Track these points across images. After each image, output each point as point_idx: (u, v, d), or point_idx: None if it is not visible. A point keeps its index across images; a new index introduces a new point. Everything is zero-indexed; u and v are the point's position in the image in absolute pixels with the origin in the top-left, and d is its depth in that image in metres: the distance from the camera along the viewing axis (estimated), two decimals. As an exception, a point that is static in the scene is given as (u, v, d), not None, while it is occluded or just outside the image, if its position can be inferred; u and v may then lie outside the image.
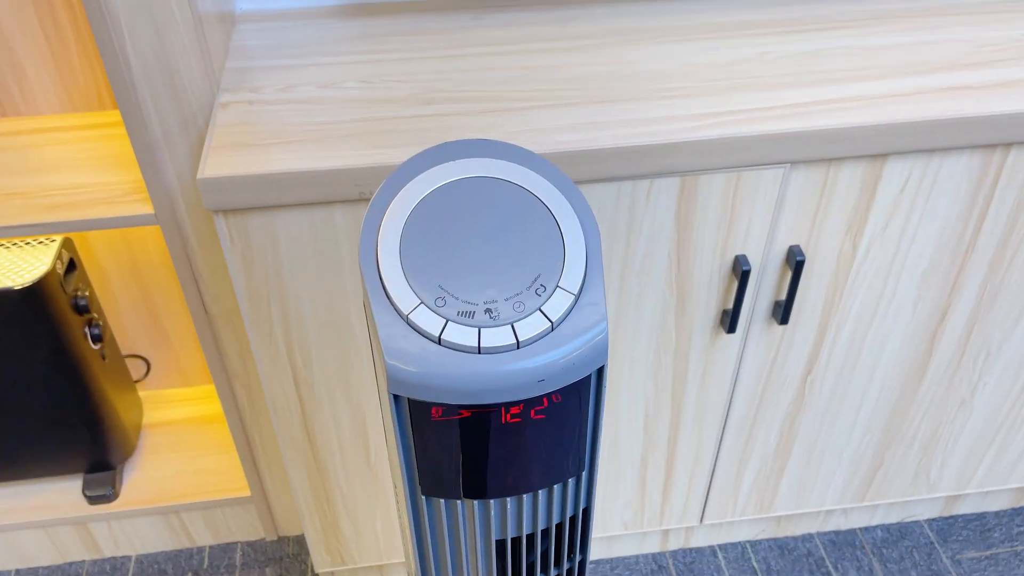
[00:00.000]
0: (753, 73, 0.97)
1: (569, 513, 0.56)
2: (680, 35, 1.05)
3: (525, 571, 0.57)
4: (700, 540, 1.47)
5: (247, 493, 1.37)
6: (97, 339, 1.25)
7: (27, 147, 1.12)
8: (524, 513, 0.54)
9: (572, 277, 0.48)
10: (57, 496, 1.37)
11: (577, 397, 0.49)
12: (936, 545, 1.46)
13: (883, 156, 0.92)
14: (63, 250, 1.19)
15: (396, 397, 0.47)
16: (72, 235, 1.25)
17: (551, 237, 0.48)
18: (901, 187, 0.95)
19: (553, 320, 0.47)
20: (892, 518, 1.51)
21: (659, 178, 0.90)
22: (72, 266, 1.21)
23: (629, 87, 0.94)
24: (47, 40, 1.11)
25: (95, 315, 1.25)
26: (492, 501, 0.52)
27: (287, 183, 0.83)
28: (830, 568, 1.43)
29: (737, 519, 1.37)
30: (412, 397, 0.47)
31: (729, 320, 1.03)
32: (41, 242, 1.19)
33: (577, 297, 0.48)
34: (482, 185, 0.48)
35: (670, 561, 1.45)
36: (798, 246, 0.98)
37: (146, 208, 1.01)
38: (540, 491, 0.53)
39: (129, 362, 1.47)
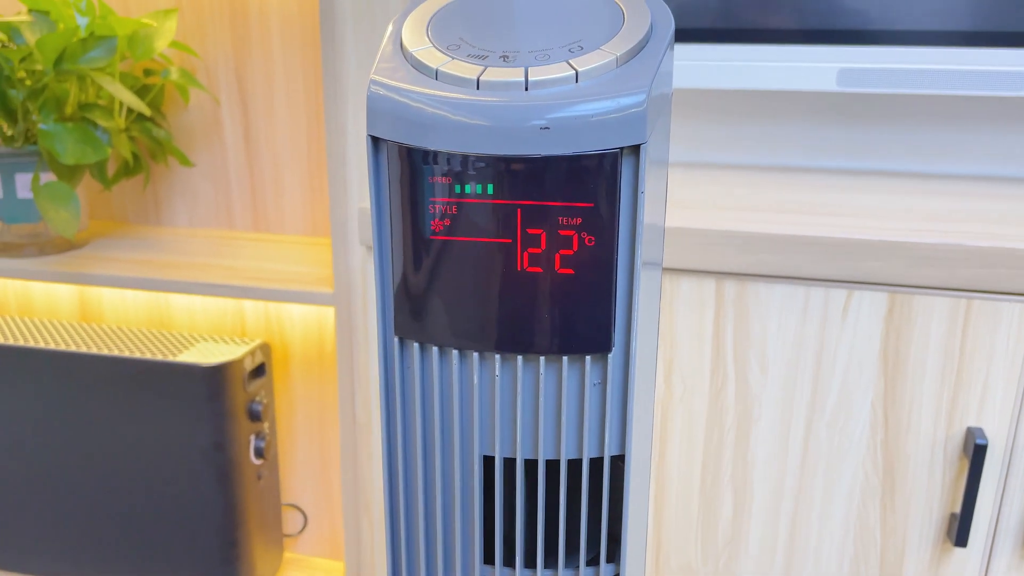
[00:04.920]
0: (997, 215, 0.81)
1: (590, 422, 0.39)
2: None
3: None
4: None
5: (347, 677, 1.18)
6: (260, 453, 1.23)
7: (261, 244, 1.23)
8: (521, 394, 0.39)
9: (620, 45, 0.38)
10: (168, 624, 1.27)
11: (605, 198, 0.37)
12: None
13: None
14: (259, 351, 1.23)
15: (376, 146, 0.39)
16: (272, 345, 1.30)
17: (610, 17, 0.40)
18: None
19: (579, 70, 0.37)
20: None
21: (860, 288, 0.75)
22: (262, 371, 1.24)
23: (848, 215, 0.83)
24: (309, 177, 1.26)
25: (265, 428, 1.25)
26: (475, 356, 0.38)
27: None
28: None
29: None
30: (392, 139, 0.37)
31: (958, 527, 0.77)
32: (245, 342, 1.25)
33: (619, 62, 0.37)
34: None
35: None
36: (1059, 426, 0.74)
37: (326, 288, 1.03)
38: (542, 360, 0.38)
39: (287, 512, 1.42)
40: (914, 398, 0.76)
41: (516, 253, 0.39)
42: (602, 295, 0.38)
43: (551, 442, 0.40)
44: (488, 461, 0.41)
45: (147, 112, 1.08)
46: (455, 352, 0.39)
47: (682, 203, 0.86)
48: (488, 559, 0.42)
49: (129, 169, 1.19)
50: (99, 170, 1.13)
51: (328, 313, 1.27)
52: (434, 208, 0.39)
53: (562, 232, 0.39)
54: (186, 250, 1.21)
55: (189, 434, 1.18)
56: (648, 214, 0.39)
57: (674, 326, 0.80)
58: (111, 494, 1.24)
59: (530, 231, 0.39)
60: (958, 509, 0.78)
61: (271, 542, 1.32)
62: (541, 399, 0.39)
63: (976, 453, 0.74)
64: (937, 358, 0.75)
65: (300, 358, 1.32)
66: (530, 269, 0.39)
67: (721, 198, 0.88)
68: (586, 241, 0.39)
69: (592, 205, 0.38)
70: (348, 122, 0.96)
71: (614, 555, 0.43)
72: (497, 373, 0.39)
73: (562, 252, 0.39)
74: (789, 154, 1.03)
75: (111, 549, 1.27)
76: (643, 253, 0.39)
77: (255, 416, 1.23)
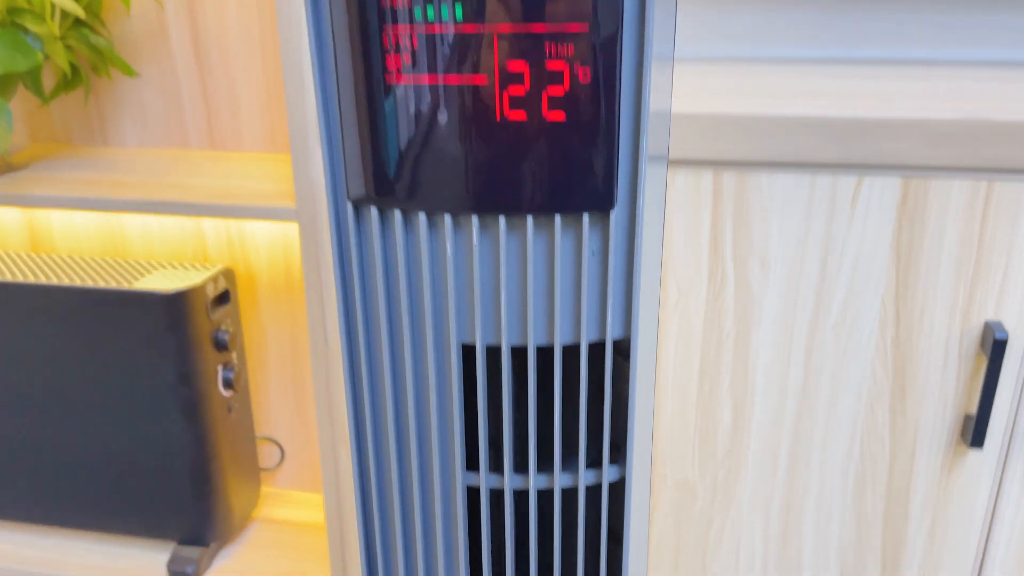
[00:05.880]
0: None
1: (588, 299, 0.32)
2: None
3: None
4: None
5: (331, 610, 1.13)
6: (229, 385, 1.17)
7: (216, 163, 1.14)
8: (504, 265, 0.32)
9: None
10: (141, 561, 1.22)
11: (606, 15, 0.30)
12: None
13: None
14: (222, 277, 1.15)
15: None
16: (236, 271, 1.22)
17: None
18: None
19: None
20: None
21: (871, 173, 0.68)
22: (226, 298, 1.17)
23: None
24: (266, 84, 1.17)
25: (233, 358, 1.18)
26: (448, 220, 0.32)
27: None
28: None
29: None
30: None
31: (973, 427, 0.72)
32: (206, 268, 1.17)
33: None
34: None
35: None
36: (1084, 316, 0.69)
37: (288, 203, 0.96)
38: (529, 222, 0.31)
39: (263, 447, 1.36)
40: (928, 292, 0.71)
41: (494, 96, 0.31)
42: (602, 140, 0.31)
43: (542, 324, 0.33)
44: (468, 352, 0.34)
45: (82, 15, 0.98)
46: (422, 216, 0.32)
47: (674, 92, 0.78)
48: (472, 465, 0.35)
49: (68, 82, 1.09)
50: (33, 81, 1.03)
51: (294, 235, 1.19)
52: (390, 40, 0.32)
53: (550, 66, 0.31)
54: (137, 169, 1.12)
55: (152, 367, 1.11)
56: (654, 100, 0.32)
57: (669, 225, 0.74)
58: (74, 433, 1.17)
59: (510, 66, 0.31)
60: (973, 409, 0.73)
61: (247, 477, 1.27)
62: (529, 271, 0.32)
63: (995, 349, 0.69)
64: (953, 248, 0.69)
65: (267, 285, 1.25)
66: (511, 116, 0.32)
67: (716, 86, 0.81)
68: (580, 76, 0.31)
69: (587, 27, 0.30)
70: (304, 15, 0.86)
71: (617, 458, 0.37)
72: (475, 241, 0.32)
73: (551, 92, 0.31)
74: (787, 45, 0.96)
75: (78, 491, 1.21)
76: (649, 144, 0.31)
77: (221, 346, 1.15)
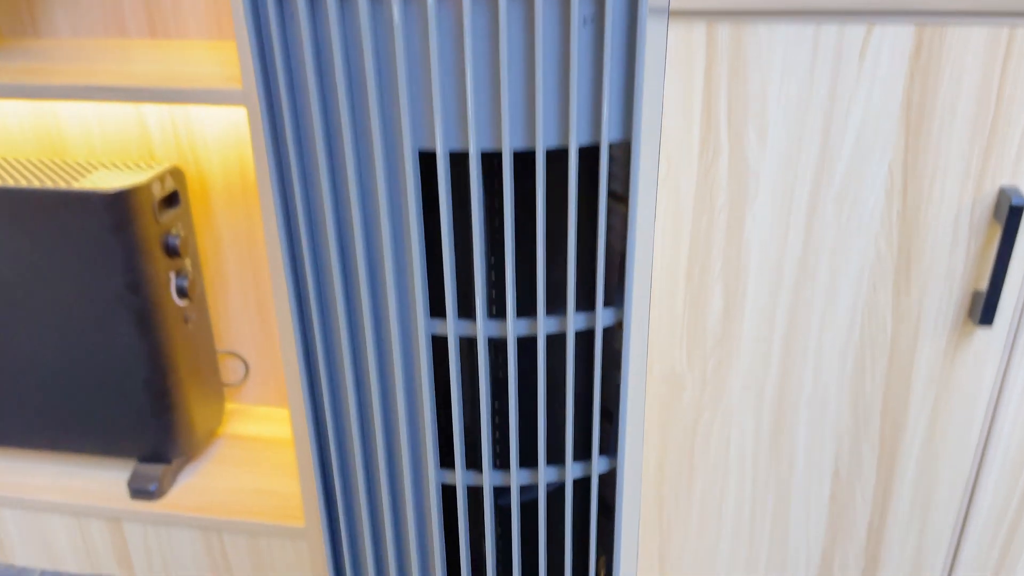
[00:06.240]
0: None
1: (579, 84, 0.26)
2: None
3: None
4: None
5: (300, 524, 1.09)
6: (183, 293, 1.09)
7: (158, 51, 1.04)
8: (470, 38, 0.25)
9: None
10: (101, 482, 1.17)
11: None
12: None
13: None
14: (169, 176, 1.07)
15: None
16: (186, 173, 1.14)
17: None
18: None
19: None
20: None
21: (882, 21, 0.61)
22: (175, 200, 1.09)
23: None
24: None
25: (187, 265, 1.10)
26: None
27: None
28: None
29: None
30: None
31: (983, 304, 0.67)
32: (152, 167, 1.08)
33: None
34: None
35: None
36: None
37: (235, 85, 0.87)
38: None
39: (227, 361, 1.30)
40: (939, 157, 0.65)
41: None
42: None
43: (520, 121, 0.26)
44: (427, 160, 0.27)
45: None
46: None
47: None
48: (436, 311, 0.29)
49: (-15, -41, 0.98)
50: (-57, -44, 0.92)
51: (247, 133, 1.11)
52: None
53: None
54: (72, 57, 1.02)
55: (100, 274, 1.03)
56: None
57: (654, 88, 0.66)
58: (22, 347, 1.10)
59: None
60: (983, 285, 0.68)
61: (209, 392, 1.20)
62: (503, 45, 0.25)
63: (1010, 216, 0.63)
64: (969, 105, 0.63)
65: (222, 189, 1.17)
66: None
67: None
68: None
69: None
70: None
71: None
72: (430, 6, 0.24)
73: None
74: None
75: (31, 409, 1.14)
76: None
77: (172, 251, 1.08)
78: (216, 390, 1.23)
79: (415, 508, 0.32)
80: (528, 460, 0.34)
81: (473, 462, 0.32)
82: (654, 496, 0.80)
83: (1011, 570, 0.80)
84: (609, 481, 0.37)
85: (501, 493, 0.33)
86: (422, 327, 0.29)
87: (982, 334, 0.69)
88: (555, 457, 0.35)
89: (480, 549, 0.36)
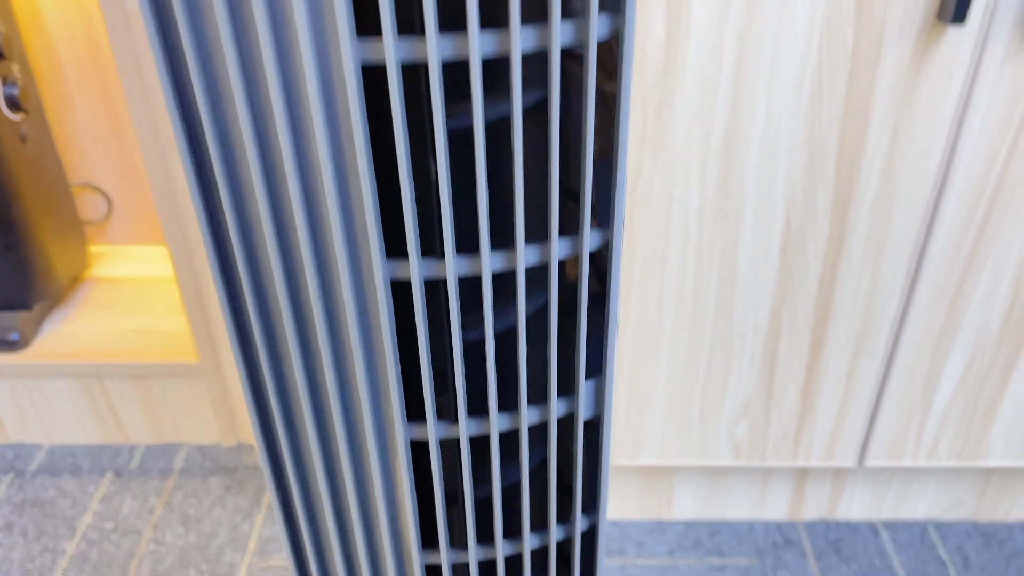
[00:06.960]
0: None
1: None
2: None
3: None
4: (853, 508, 0.96)
5: (195, 360, 0.97)
6: (14, 104, 0.91)
7: None
8: None
9: None
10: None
11: None
12: None
13: None
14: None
15: None
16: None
17: None
18: None
19: None
20: None
21: None
22: (-14, -14, 0.89)
23: None
24: None
25: (15, 70, 0.92)
26: None
27: None
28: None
29: (922, 464, 0.87)
30: None
31: (956, 1, 0.59)
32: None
33: None
34: None
35: (804, 535, 0.94)
36: None
37: None
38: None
39: (86, 195, 1.13)
40: None
41: None
42: None
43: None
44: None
45: None
46: None
47: None
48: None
49: None
50: None
51: None
52: None
53: None
54: None
55: None
56: None
57: None
58: None
59: None
60: (954, -24, 0.60)
61: (67, 230, 1.04)
62: None
63: None
64: None
65: (45, -24, 0.97)
66: None
67: None
68: None
69: None
70: None
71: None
72: None
73: None
74: None
75: None
76: None
77: (-7, 50, 0.89)
78: (75, 228, 1.07)
79: (356, 304, 0.27)
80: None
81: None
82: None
83: (961, 315, 0.77)
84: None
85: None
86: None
87: (953, 34, 0.62)
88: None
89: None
